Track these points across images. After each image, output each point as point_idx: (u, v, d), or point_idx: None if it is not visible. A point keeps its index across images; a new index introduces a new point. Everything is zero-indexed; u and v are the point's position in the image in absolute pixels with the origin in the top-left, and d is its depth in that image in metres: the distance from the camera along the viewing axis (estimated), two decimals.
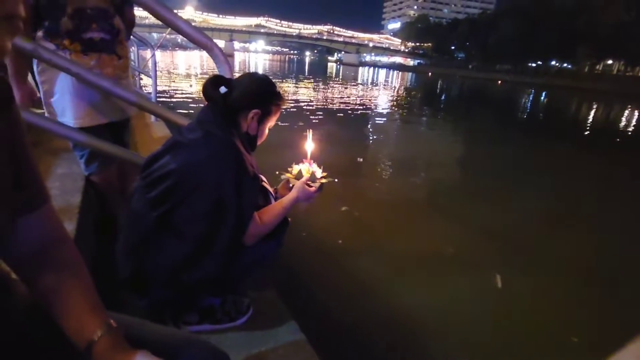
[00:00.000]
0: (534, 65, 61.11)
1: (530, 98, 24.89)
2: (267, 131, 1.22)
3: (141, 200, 1.06)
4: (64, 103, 1.47)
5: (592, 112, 17.61)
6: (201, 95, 1.14)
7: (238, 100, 1.12)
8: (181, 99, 10.15)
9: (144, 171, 1.09)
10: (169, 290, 1.11)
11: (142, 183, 1.07)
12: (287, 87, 16.28)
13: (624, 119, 15.83)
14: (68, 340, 0.52)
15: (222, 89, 1.13)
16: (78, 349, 0.51)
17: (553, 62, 59.05)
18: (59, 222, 0.60)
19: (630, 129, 12.74)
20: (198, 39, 1.44)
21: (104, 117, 1.56)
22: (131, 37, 1.97)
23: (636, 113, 18.33)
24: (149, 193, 1.04)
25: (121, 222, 1.15)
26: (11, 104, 0.50)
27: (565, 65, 56.69)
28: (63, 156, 1.94)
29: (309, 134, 1.28)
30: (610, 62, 54.92)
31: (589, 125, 13.07)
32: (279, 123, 1.25)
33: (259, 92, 1.16)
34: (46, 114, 1.50)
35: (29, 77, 1.57)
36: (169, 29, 1.50)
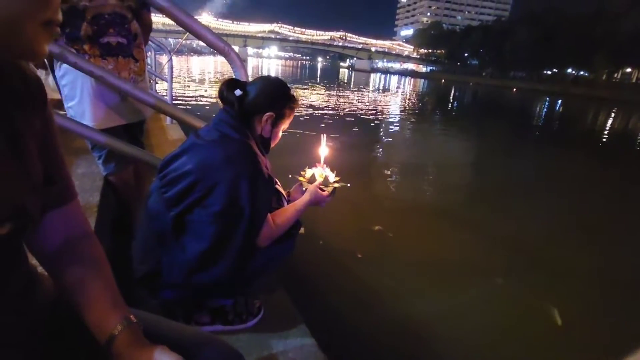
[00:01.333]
0: (549, 72, 60.13)
1: (546, 106, 24.45)
2: (280, 134, 1.24)
3: (158, 200, 1.08)
4: (83, 105, 1.52)
5: (610, 122, 17.18)
6: (215, 98, 1.16)
7: (253, 103, 1.14)
8: (196, 103, 10.32)
9: (161, 172, 1.11)
10: (182, 290, 1.12)
11: (159, 183, 1.10)
12: (299, 92, 16.37)
13: None
14: (89, 335, 0.53)
15: (237, 92, 1.15)
16: (99, 343, 0.52)
17: (569, 70, 58.00)
18: (85, 218, 0.62)
19: None
20: (215, 43, 1.47)
21: (121, 118, 1.61)
22: (149, 42, 2.02)
23: None
24: (166, 193, 1.06)
25: (138, 221, 1.18)
26: (45, 103, 0.52)
27: (581, 73, 55.60)
28: (83, 157, 1.99)
29: (323, 138, 1.29)
30: (629, 70, 53.63)
31: (605, 135, 12.74)
32: (292, 127, 1.27)
33: (273, 95, 1.17)
34: (67, 116, 1.55)
35: (50, 79, 1.63)
36: (186, 34, 1.54)
